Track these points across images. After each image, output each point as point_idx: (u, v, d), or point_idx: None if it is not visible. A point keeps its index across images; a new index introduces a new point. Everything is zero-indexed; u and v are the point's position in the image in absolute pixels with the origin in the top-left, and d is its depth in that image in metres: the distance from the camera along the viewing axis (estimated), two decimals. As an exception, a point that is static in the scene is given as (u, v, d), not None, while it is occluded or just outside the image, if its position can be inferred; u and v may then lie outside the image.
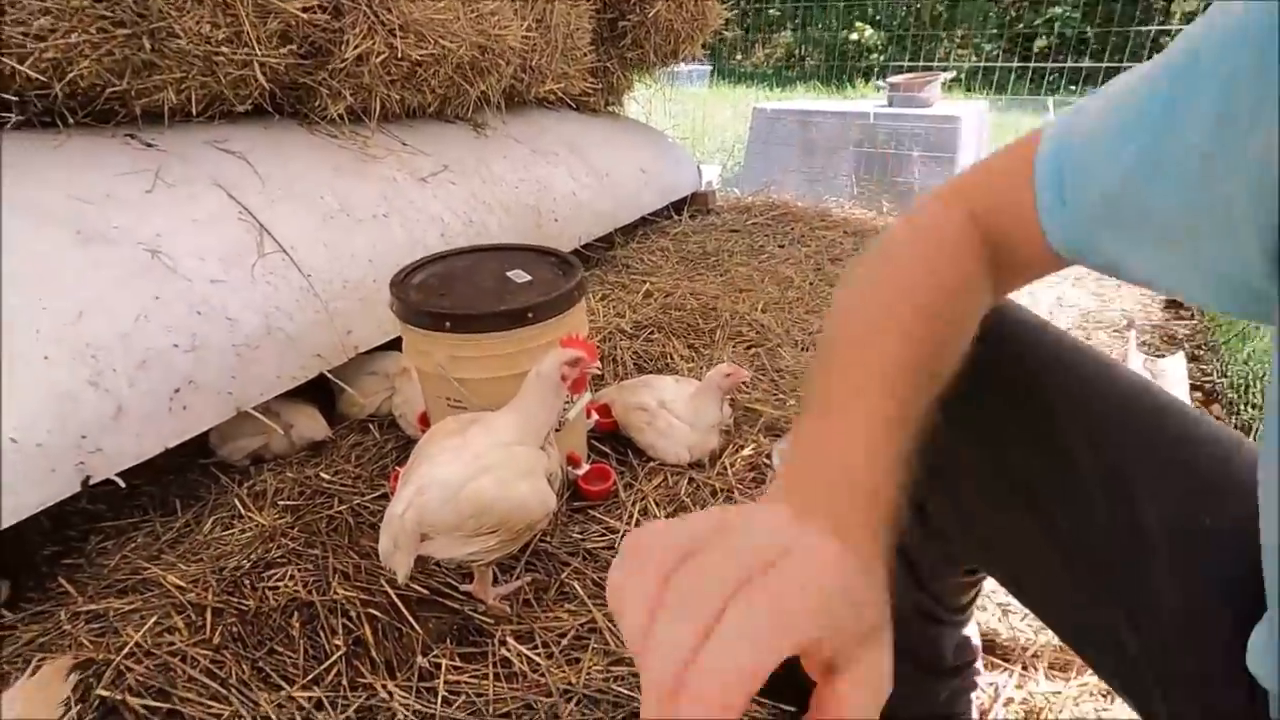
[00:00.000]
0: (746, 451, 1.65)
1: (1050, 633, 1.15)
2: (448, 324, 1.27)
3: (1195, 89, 0.38)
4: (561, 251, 1.56)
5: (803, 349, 2.20)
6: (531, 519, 1.12)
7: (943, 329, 0.50)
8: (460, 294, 1.39)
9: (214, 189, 1.73)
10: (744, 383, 1.68)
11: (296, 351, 1.65)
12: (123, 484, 1.31)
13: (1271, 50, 0.33)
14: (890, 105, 3.98)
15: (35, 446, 1.23)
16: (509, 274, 1.47)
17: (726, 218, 3.63)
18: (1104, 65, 5.49)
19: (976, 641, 0.94)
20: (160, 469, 1.69)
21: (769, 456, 1.59)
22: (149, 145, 1.76)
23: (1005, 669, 1.11)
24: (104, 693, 1.09)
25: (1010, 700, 1.05)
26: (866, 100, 4.64)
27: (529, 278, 1.46)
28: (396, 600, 1.24)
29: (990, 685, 1.07)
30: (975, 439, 0.66)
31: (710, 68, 9.58)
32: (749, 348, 2.20)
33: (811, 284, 2.73)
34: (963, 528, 0.71)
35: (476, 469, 1.10)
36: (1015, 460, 0.65)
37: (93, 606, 1.27)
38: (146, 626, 1.21)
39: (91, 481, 1.29)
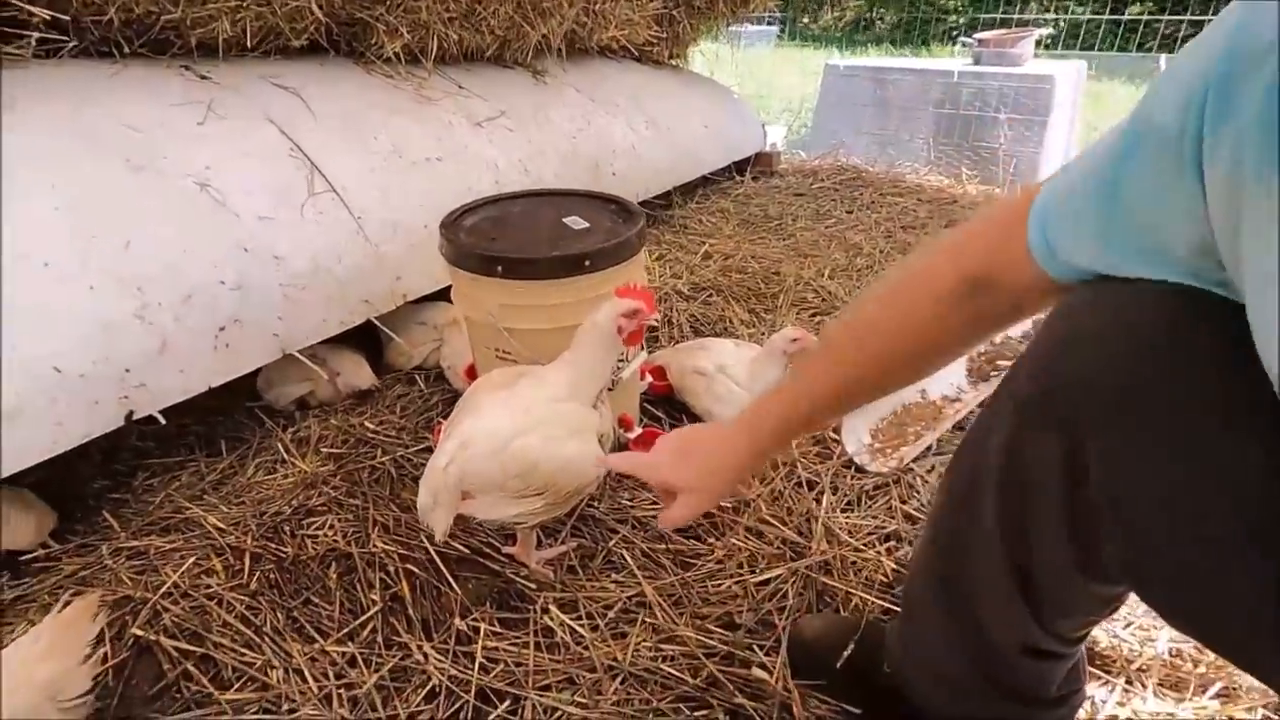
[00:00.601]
0: (811, 424, 1.52)
1: (1160, 644, 1.02)
2: (499, 269, 1.18)
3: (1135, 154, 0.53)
4: (622, 198, 1.44)
5: (873, 319, 2.04)
6: (580, 481, 1.04)
7: (885, 364, 0.76)
8: (514, 238, 1.29)
9: (266, 124, 1.67)
10: (810, 349, 1.55)
11: (344, 296, 1.60)
12: (163, 420, 1.28)
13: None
14: (977, 63, 3.67)
15: (79, 377, 1.20)
16: (565, 220, 1.37)
17: (791, 180, 3.44)
18: (1208, 19, 4.98)
19: (1084, 665, 0.82)
20: (208, 409, 1.67)
21: (836, 430, 1.47)
22: (203, 77, 1.70)
23: (1106, 681, 0.98)
24: (139, 632, 1.06)
25: (1113, 718, 0.93)
26: (949, 60, 4.32)
27: (586, 224, 1.35)
28: (436, 558, 1.18)
29: (1088, 700, 0.95)
30: (1214, 474, 0.52)
31: (776, 29, 9.19)
32: (814, 315, 2.06)
33: (882, 251, 2.56)
34: (1158, 573, 0.58)
35: (524, 425, 1.01)
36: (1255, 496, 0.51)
37: (135, 543, 1.25)
38: (185, 567, 1.18)
39: (134, 417, 1.26)
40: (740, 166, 3.47)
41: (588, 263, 1.20)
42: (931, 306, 0.69)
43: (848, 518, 1.28)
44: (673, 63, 3.39)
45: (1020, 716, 0.81)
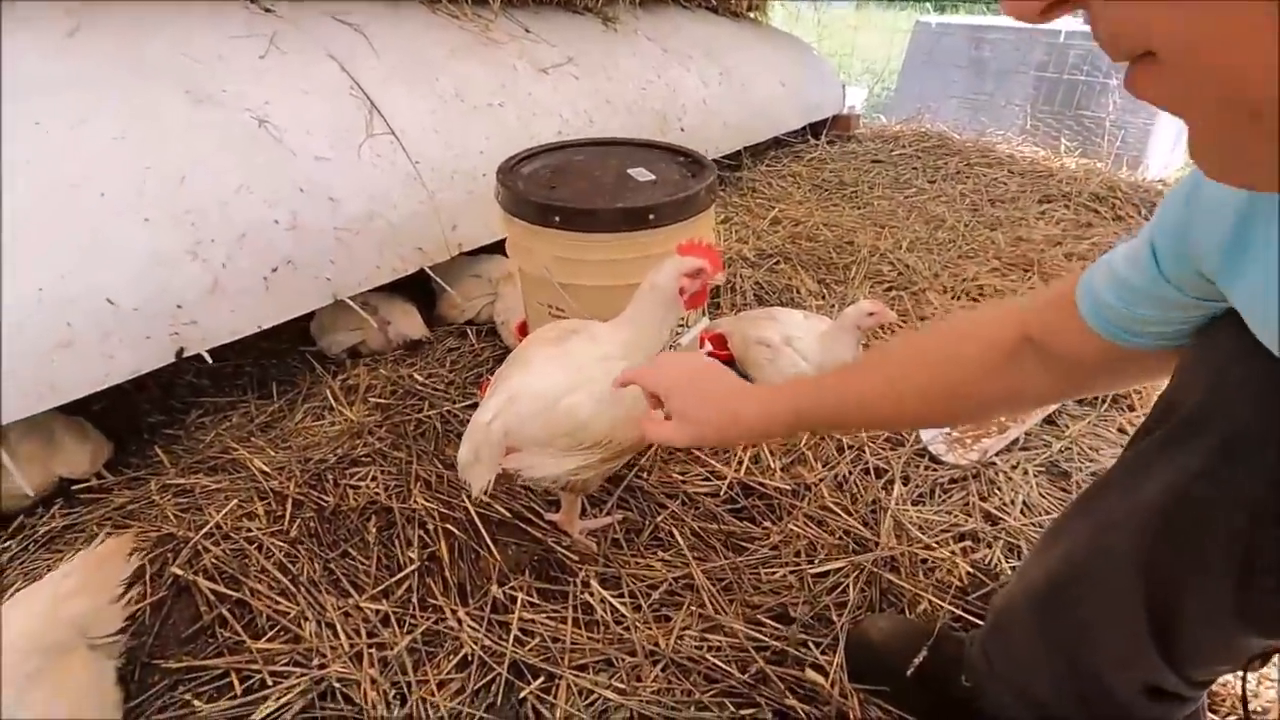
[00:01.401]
0: (882, 406, 1.40)
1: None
2: (556, 219, 1.10)
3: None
4: (693, 151, 1.33)
5: (954, 296, 1.88)
6: (630, 442, 0.96)
7: (922, 394, 0.76)
8: (574, 188, 1.20)
9: (328, 61, 1.61)
10: (887, 326, 1.42)
11: (398, 242, 1.55)
12: (211, 360, 1.26)
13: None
14: (1088, 22, 3.32)
15: (132, 310, 1.18)
16: (630, 171, 1.27)
17: (869, 146, 3.23)
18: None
19: (1204, 710, 0.71)
20: (261, 351, 1.67)
21: (910, 415, 1.35)
22: (267, 10, 1.65)
23: (1214, 722, 0.86)
24: (178, 571, 1.05)
25: (1226, 765, 0.81)
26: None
27: (653, 177, 1.25)
28: (476, 520, 1.13)
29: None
30: None
31: (862, -14, 8.66)
32: (889, 289, 1.92)
33: (967, 225, 2.36)
34: None
35: (574, 382, 0.93)
36: None
37: (182, 481, 1.25)
38: (228, 509, 1.16)
39: (184, 354, 1.24)
40: (816, 129, 3.28)
41: (651, 217, 1.11)
42: (985, 352, 0.73)
43: (919, 511, 1.17)
44: (751, 15, 3.19)
45: None
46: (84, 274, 1.14)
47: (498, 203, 1.21)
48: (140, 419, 1.45)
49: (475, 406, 1.41)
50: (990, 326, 0.74)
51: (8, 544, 1.10)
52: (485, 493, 0.97)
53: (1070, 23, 3.47)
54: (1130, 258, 0.60)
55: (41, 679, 0.74)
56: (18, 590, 1.02)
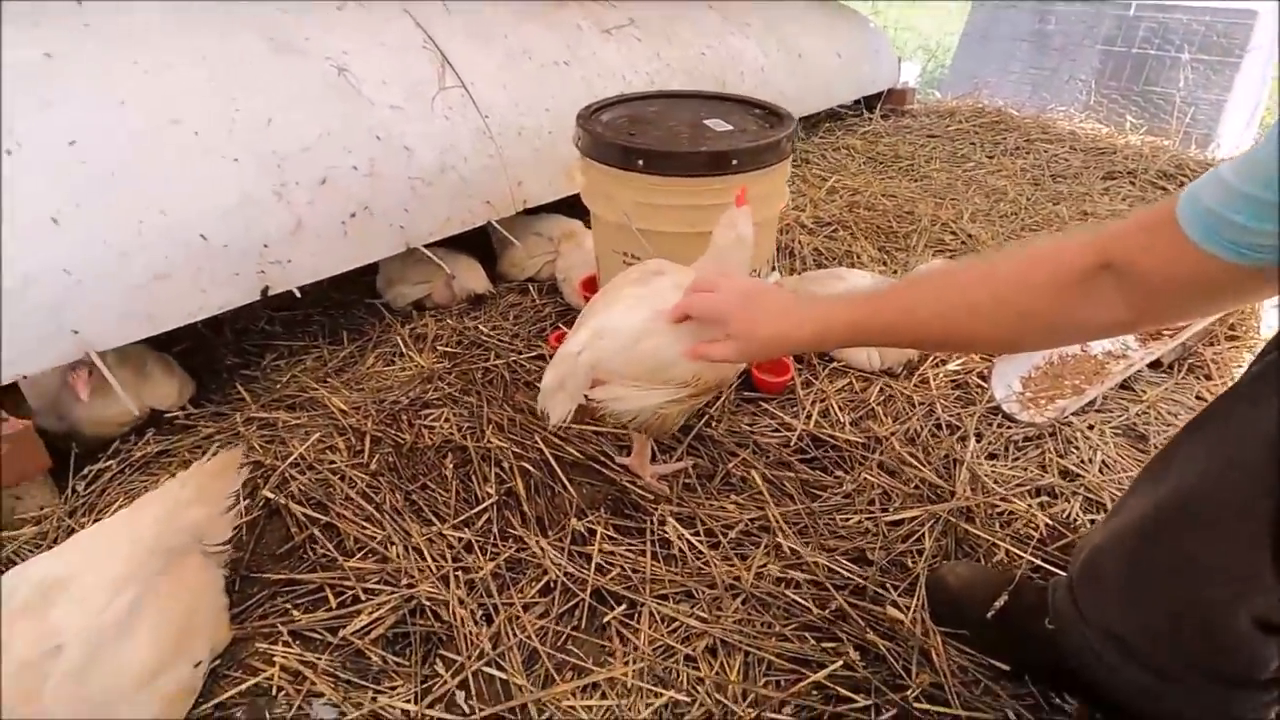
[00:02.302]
0: (951, 366, 1.39)
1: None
2: (640, 162, 1.11)
3: None
4: (769, 103, 1.32)
5: (1019, 266, 1.85)
6: (722, 375, 0.97)
7: (985, 314, 0.74)
8: (653, 135, 1.21)
9: (403, 15, 1.63)
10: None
11: (468, 195, 1.57)
12: (299, 294, 1.29)
13: None
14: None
15: (222, 247, 1.22)
16: (707, 121, 1.27)
17: (924, 121, 3.16)
18: None
19: None
20: (330, 301, 1.71)
21: (984, 376, 1.34)
22: (343, -36, 1.68)
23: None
24: (269, 494, 1.09)
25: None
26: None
27: (729, 127, 1.25)
28: (550, 459, 1.15)
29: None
30: None
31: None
32: (953, 256, 1.89)
33: (1030, 199, 2.31)
34: None
35: (659, 324, 0.94)
36: None
37: (264, 415, 1.29)
38: (310, 442, 1.20)
39: (270, 292, 1.28)
40: (870, 103, 3.22)
41: (735, 161, 1.11)
42: (1056, 272, 0.70)
43: (994, 466, 1.16)
44: (808, -15, 3.14)
45: (1220, 699, 0.70)
46: (180, 210, 1.18)
47: (577, 148, 1.22)
48: (219, 360, 1.50)
49: (541, 358, 1.43)
50: (1067, 252, 0.70)
51: (108, 464, 1.15)
52: (564, 423, 0.98)
53: (1141, -5, 3.34)
54: (1245, 166, 0.58)
55: (164, 577, 0.78)
56: (119, 508, 1.07)
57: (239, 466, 0.91)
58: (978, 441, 1.21)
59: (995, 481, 1.12)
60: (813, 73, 2.73)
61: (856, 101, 3.14)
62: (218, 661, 0.85)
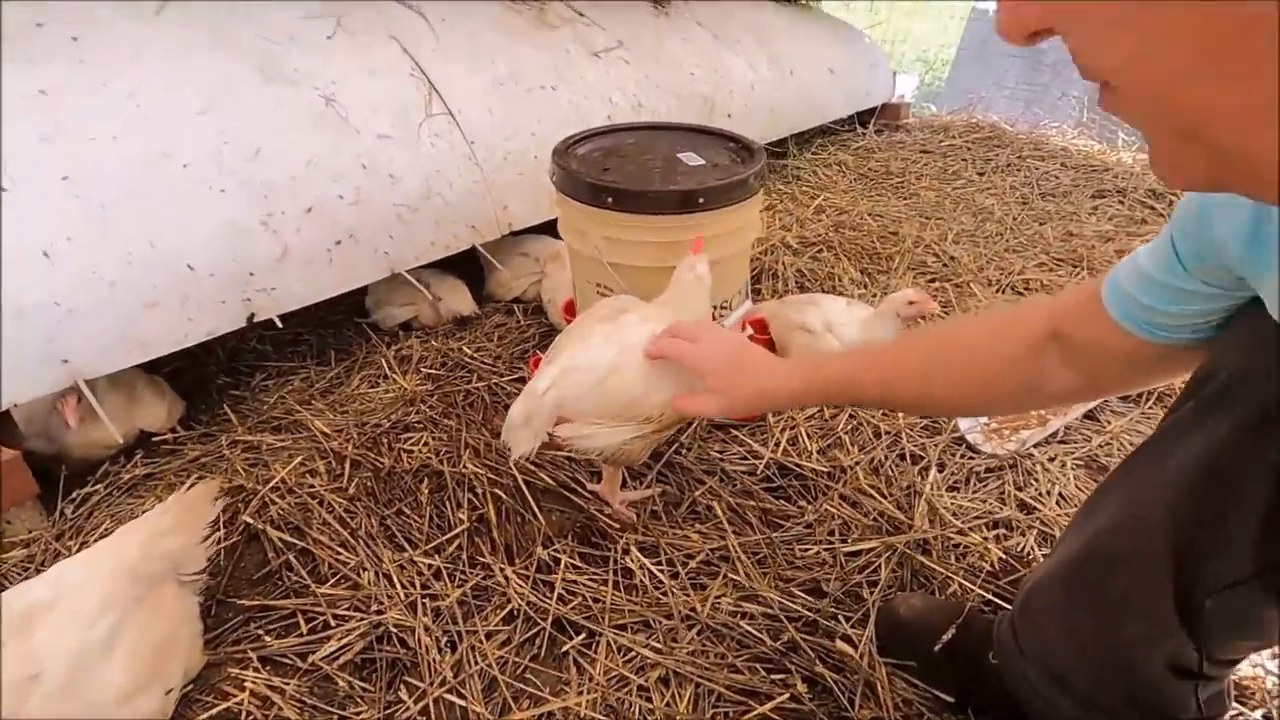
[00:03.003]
0: (921, 395, 1.42)
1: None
2: (609, 200, 1.14)
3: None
4: (743, 136, 1.36)
5: (999, 289, 1.87)
6: (680, 417, 1.01)
7: (946, 377, 0.81)
8: (626, 170, 1.24)
9: (390, 42, 1.67)
10: (928, 316, 1.43)
11: (453, 219, 1.61)
12: (280, 324, 1.33)
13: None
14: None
15: (209, 276, 1.26)
16: (680, 155, 1.30)
17: (918, 136, 3.19)
18: None
19: (1230, 690, 0.73)
20: (320, 321, 1.75)
21: (949, 404, 1.36)
22: (335, -8, 1.72)
23: (1240, 714, 0.87)
24: (249, 519, 1.13)
25: (1250, 755, 0.82)
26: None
27: (702, 161, 1.28)
28: (522, 485, 1.18)
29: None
30: None
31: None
32: (932, 280, 1.91)
33: (1015, 219, 2.33)
34: None
35: (627, 360, 0.98)
36: None
37: (249, 438, 1.33)
38: (292, 465, 1.24)
39: (255, 319, 1.32)
40: (864, 117, 3.25)
41: (701, 200, 1.14)
42: (1012, 345, 0.76)
43: (953, 498, 1.19)
44: (803, 1, 3.17)
45: None
46: (168, 240, 1.22)
47: (552, 183, 1.25)
48: (209, 381, 1.55)
49: (521, 380, 1.47)
50: (1021, 321, 0.76)
51: (96, 487, 1.20)
52: (526, 458, 1.02)
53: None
54: (1153, 252, 0.63)
55: (142, 604, 0.82)
56: (106, 531, 1.11)
57: (215, 497, 0.95)
58: (939, 472, 1.24)
59: (953, 514, 1.15)
60: (805, 89, 2.76)
61: (851, 116, 3.16)
62: (190, 686, 0.89)
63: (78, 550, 1.06)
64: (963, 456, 1.28)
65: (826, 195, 2.47)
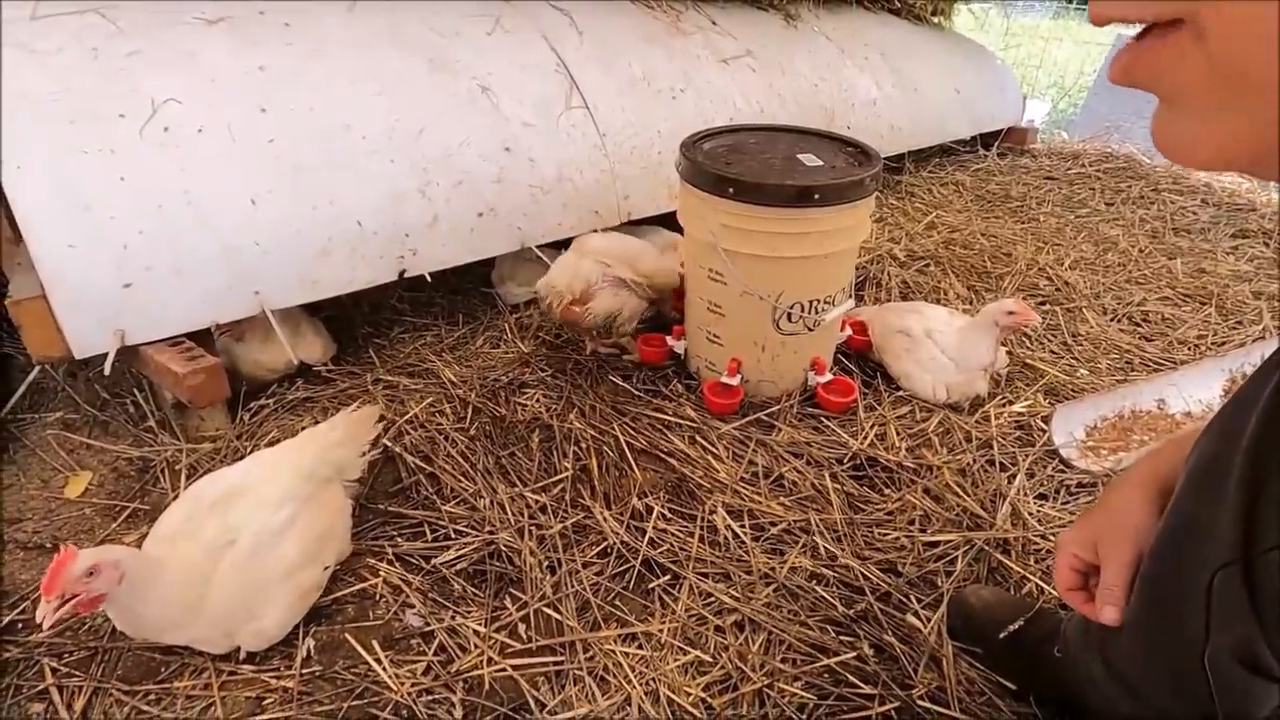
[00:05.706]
0: (1018, 407, 1.43)
1: None
2: (730, 190, 1.24)
3: None
4: (861, 142, 1.42)
5: (1113, 318, 1.83)
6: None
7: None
8: (747, 165, 1.33)
9: (540, 40, 1.84)
10: (1027, 331, 1.43)
11: (579, 204, 1.75)
12: (429, 278, 1.51)
13: None
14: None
15: (373, 234, 1.45)
16: (799, 155, 1.38)
17: (1044, 162, 3.10)
18: None
19: None
20: (451, 288, 1.94)
21: (1046, 420, 1.37)
22: (496, -6, 1.91)
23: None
24: (387, 443, 1.30)
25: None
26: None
27: (820, 162, 1.36)
28: (624, 445, 1.30)
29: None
30: None
31: (1058, -2, 8.06)
32: (1042, 302, 1.89)
33: (1142, 250, 2.24)
34: None
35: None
36: None
37: (389, 378, 1.51)
38: (424, 404, 1.41)
39: (405, 274, 1.50)
40: (987, 140, 3.19)
41: (816, 196, 1.22)
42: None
43: (1040, 505, 1.20)
44: (935, 20, 3.16)
45: None
46: (345, 199, 1.43)
47: (678, 173, 1.36)
48: (356, 329, 1.76)
49: (626, 353, 1.59)
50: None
51: (266, 402, 1.41)
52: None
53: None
54: None
55: (311, 499, 0.99)
56: (274, 439, 1.31)
57: (376, 420, 1.12)
58: (1029, 479, 1.25)
59: (1037, 520, 1.17)
60: (927, 107, 2.76)
61: (974, 138, 3.12)
62: (339, 567, 1.05)
63: (251, 450, 1.26)
64: (1055, 470, 1.29)
65: (939, 213, 2.47)
